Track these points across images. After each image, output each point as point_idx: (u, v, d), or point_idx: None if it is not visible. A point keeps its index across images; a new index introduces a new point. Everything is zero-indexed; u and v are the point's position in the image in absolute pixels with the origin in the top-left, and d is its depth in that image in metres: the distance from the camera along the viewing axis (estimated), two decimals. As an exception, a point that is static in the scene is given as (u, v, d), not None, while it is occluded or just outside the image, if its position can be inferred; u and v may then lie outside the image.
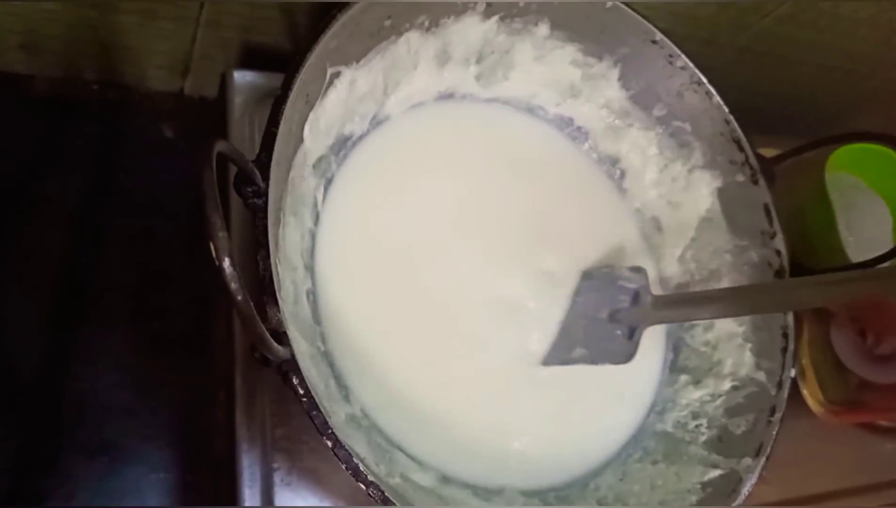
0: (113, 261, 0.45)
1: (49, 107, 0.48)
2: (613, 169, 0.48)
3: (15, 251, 0.44)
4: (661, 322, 0.42)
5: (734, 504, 0.36)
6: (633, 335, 0.40)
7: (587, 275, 0.42)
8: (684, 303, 0.41)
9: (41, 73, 0.47)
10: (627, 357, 0.40)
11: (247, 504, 0.35)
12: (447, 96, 0.44)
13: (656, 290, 0.43)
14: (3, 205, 0.44)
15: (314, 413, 0.27)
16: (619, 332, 0.40)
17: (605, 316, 0.40)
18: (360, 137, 0.41)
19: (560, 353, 0.40)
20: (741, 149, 0.42)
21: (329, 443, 0.28)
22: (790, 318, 0.40)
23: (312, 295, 0.36)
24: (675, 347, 0.45)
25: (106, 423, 0.42)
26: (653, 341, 0.44)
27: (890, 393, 0.54)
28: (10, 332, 0.42)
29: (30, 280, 0.43)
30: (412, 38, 0.39)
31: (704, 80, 0.42)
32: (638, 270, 0.40)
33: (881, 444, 0.55)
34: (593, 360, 0.40)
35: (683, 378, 0.44)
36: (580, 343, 0.40)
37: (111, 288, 0.45)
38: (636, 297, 0.40)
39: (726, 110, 0.42)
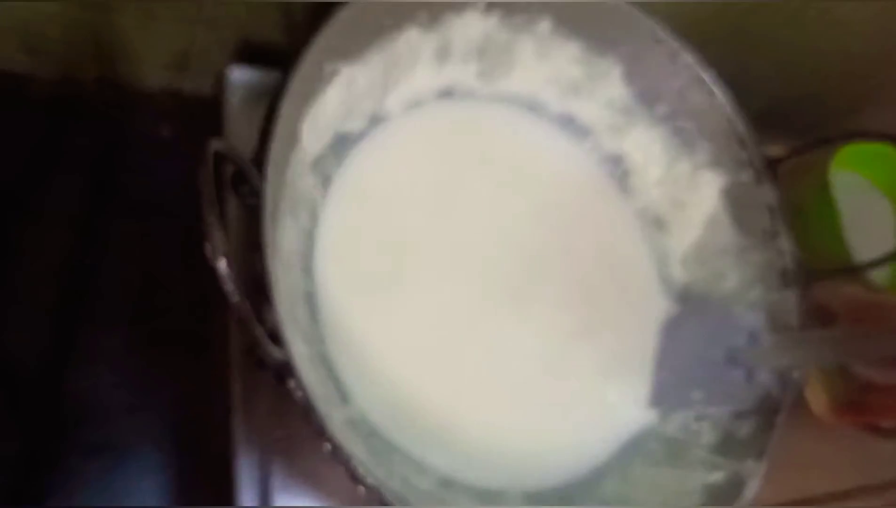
0: (112, 261, 0.45)
1: (48, 107, 0.48)
2: (616, 168, 0.48)
3: (14, 250, 0.44)
4: (787, 367, 0.38)
5: (736, 506, 0.36)
6: (751, 377, 0.37)
7: (693, 309, 0.41)
8: (804, 345, 0.38)
9: (41, 73, 0.47)
10: (749, 402, 0.38)
11: (245, 504, 0.35)
12: (447, 94, 0.44)
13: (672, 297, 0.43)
14: (3, 204, 0.44)
15: (312, 415, 0.27)
16: (737, 373, 0.38)
17: (719, 356, 0.38)
18: (359, 136, 0.40)
19: (675, 394, 0.39)
20: (745, 148, 0.42)
21: (327, 446, 0.27)
22: (794, 319, 0.40)
23: (310, 296, 0.36)
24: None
25: (105, 423, 0.42)
26: (651, 339, 0.44)
27: (893, 394, 0.53)
28: (10, 332, 0.42)
29: (29, 279, 0.43)
30: (412, 35, 0.38)
31: (707, 78, 0.42)
32: (752, 308, 0.39)
33: (883, 445, 0.54)
34: (712, 404, 0.39)
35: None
36: (697, 384, 0.38)
37: (111, 288, 0.45)
38: (753, 337, 0.38)
39: (730, 109, 0.42)
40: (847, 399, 0.52)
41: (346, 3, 0.33)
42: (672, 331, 0.40)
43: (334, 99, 0.36)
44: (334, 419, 0.31)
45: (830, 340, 0.38)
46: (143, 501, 0.42)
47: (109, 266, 0.45)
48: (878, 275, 0.53)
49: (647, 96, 0.44)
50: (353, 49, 0.36)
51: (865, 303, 0.55)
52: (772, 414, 0.38)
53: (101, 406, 0.42)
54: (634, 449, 0.41)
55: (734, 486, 0.37)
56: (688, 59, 0.42)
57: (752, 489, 0.37)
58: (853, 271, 0.46)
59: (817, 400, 0.51)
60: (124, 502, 0.41)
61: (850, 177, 0.56)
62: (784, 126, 0.59)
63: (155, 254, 0.46)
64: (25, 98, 0.47)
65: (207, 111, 0.50)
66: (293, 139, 0.33)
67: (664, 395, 0.39)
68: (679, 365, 0.39)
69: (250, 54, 0.46)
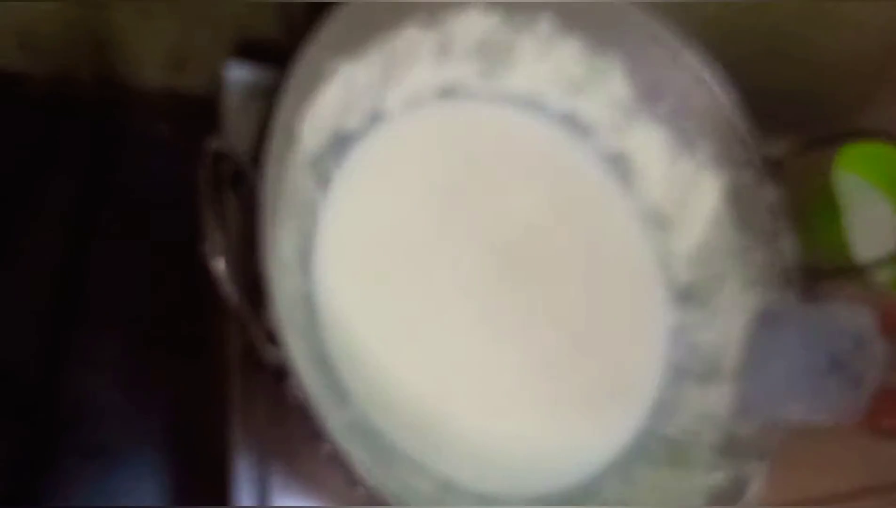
0: (110, 262, 0.45)
1: (46, 106, 0.48)
2: (617, 167, 0.47)
3: (11, 250, 0.44)
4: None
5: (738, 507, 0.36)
6: (858, 384, 0.34)
7: (796, 316, 0.37)
8: None
9: (38, 71, 0.47)
10: (856, 413, 0.34)
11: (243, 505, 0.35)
12: (447, 92, 0.43)
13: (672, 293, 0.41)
14: (1, 204, 0.44)
15: (311, 416, 0.27)
16: (841, 381, 0.35)
17: (823, 363, 0.35)
18: (359, 134, 0.40)
19: (768, 407, 0.36)
20: (747, 148, 0.42)
21: (326, 447, 0.27)
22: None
23: (309, 296, 0.36)
24: (679, 348, 0.45)
25: (103, 424, 0.42)
26: (653, 340, 0.44)
27: (893, 395, 0.53)
28: (7, 333, 0.42)
29: (24, 279, 0.43)
30: (411, 33, 0.38)
31: (709, 78, 0.42)
32: (858, 310, 0.35)
33: (884, 446, 0.54)
34: (814, 416, 0.35)
35: (688, 380, 0.43)
36: (798, 395, 0.35)
37: (107, 288, 0.45)
38: (860, 342, 0.35)
39: (731, 108, 0.42)
40: (848, 399, 0.52)
41: (344, 0, 0.33)
42: (765, 335, 0.37)
43: (333, 97, 0.35)
44: (333, 420, 0.30)
45: None
46: (139, 502, 0.42)
47: (106, 265, 0.45)
48: (880, 276, 0.53)
49: (648, 95, 0.44)
50: (352, 47, 0.36)
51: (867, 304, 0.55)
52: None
53: (97, 407, 0.42)
54: (636, 451, 0.41)
55: (736, 487, 0.37)
56: (689, 58, 0.42)
57: (754, 490, 0.36)
58: (855, 271, 0.46)
59: (819, 400, 0.51)
60: (122, 502, 0.41)
61: (852, 177, 0.56)
62: (786, 126, 0.59)
63: (152, 253, 0.46)
64: (22, 96, 0.47)
65: (205, 110, 0.50)
66: (292, 138, 0.33)
67: (755, 405, 0.36)
68: (775, 373, 0.36)
69: (248, 52, 0.46)
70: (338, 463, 0.27)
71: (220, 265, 0.23)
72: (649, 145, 0.46)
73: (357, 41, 0.36)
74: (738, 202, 0.43)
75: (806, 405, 0.35)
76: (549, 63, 0.44)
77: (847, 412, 0.35)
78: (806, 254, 0.46)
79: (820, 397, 0.35)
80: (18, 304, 0.42)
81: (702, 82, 0.42)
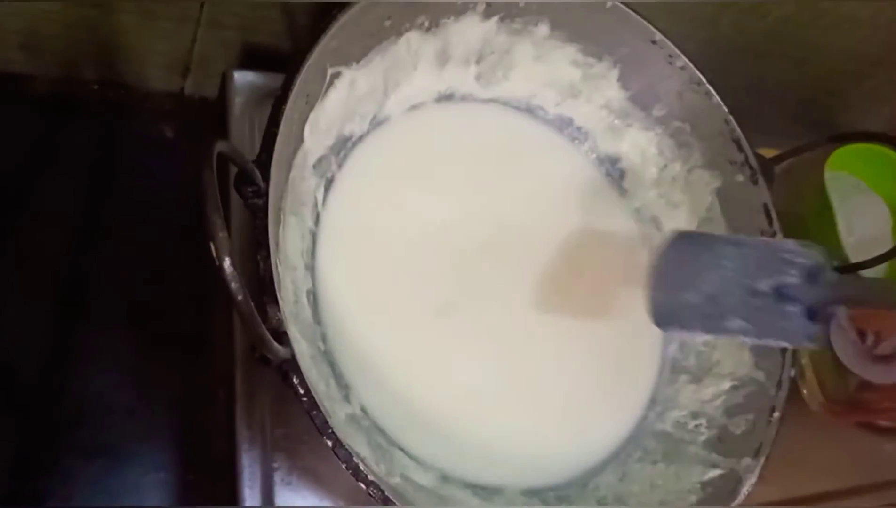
0: (112, 261, 0.45)
1: (49, 107, 0.47)
2: (613, 169, 0.48)
3: (14, 251, 0.44)
4: (851, 303, 0.34)
5: (734, 504, 0.36)
6: (813, 315, 0.33)
7: (730, 241, 0.36)
8: (871, 287, 0.35)
9: (41, 72, 0.47)
10: (811, 339, 0.34)
11: (247, 503, 0.35)
12: (447, 96, 0.44)
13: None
14: (3, 204, 0.44)
15: (314, 412, 0.27)
16: (792, 309, 0.33)
17: (766, 288, 0.34)
18: (361, 138, 0.41)
19: (700, 320, 0.34)
20: (741, 149, 0.42)
21: (329, 443, 0.28)
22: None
23: (312, 295, 0.36)
24: (673, 346, 0.45)
25: (106, 423, 0.42)
26: (650, 339, 0.44)
27: (889, 393, 0.54)
28: (9, 332, 0.42)
29: (29, 280, 0.43)
30: (412, 38, 0.39)
31: (704, 80, 0.42)
32: (808, 246, 0.34)
33: (881, 444, 0.55)
34: (759, 335, 0.34)
35: (683, 377, 0.44)
36: (735, 313, 0.34)
37: (111, 288, 0.45)
38: (811, 275, 0.33)
39: (725, 110, 0.42)
40: (844, 398, 0.52)
41: (347, 6, 0.34)
42: (719, 261, 0.35)
43: (336, 101, 0.36)
44: (336, 416, 0.31)
45: None
46: (143, 501, 0.42)
47: (109, 266, 0.45)
48: (874, 275, 0.53)
49: (644, 98, 0.45)
50: (354, 52, 0.36)
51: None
52: (768, 412, 0.38)
53: (100, 406, 0.42)
54: (632, 447, 0.42)
55: (731, 484, 0.37)
56: (684, 60, 0.42)
57: (748, 486, 0.37)
58: (849, 271, 0.47)
59: (814, 398, 0.52)
60: (124, 502, 0.41)
61: (845, 177, 0.57)
62: (780, 127, 0.60)
63: (155, 253, 0.46)
64: (25, 97, 0.47)
65: (208, 112, 0.50)
66: (296, 140, 0.34)
67: (689, 316, 0.35)
68: (717, 293, 0.34)
69: (252, 57, 0.47)
70: (340, 458, 0.28)
71: (227, 264, 0.23)
72: (644, 147, 0.46)
73: (359, 47, 0.36)
74: (731, 203, 0.44)
75: (751, 324, 0.34)
76: (546, 67, 0.44)
77: (800, 337, 0.34)
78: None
79: (766, 318, 0.34)
80: (21, 304, 0.42)
81: (697, 85, 0.43)
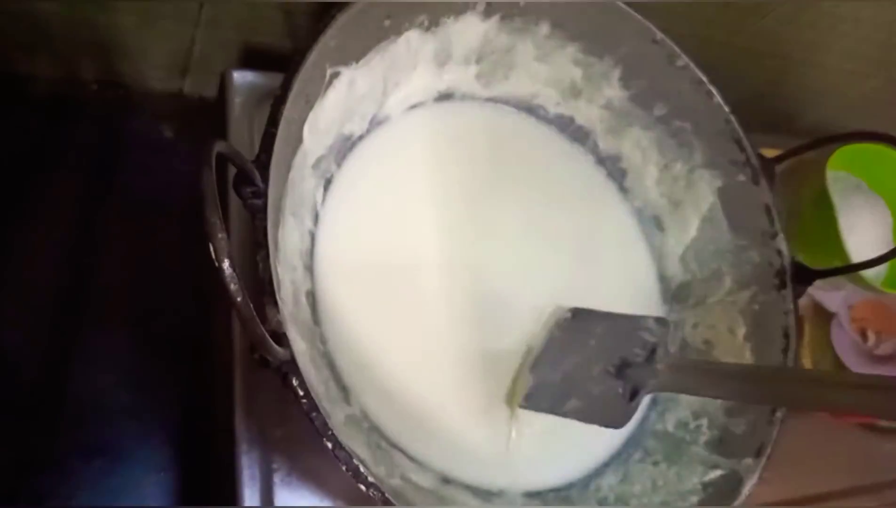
0: (113, 261, 0.45)
1: (49, 107, 0.48)
2: (614, 168, 0.48)
3: (14, 251, 0.44)
4: (670, 390, 0.36)
5: (735, 505, 0.36)
6: (634, 397, 0.34)
7: (605, 318, 0.37)
8: (701, 374, 0.35)
9: (41, 72, 0.47)
10: (622, 422, 0.35)
11: (247, 503, 0.35)
12: (447, 96, 0.44)
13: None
14: (3, 204, 0.44)
15: (314, 414, 0.27)
16: (620, 390, 0.34)
17: (612, 368, 0.35)
18: (360, 138, 0.40)
19: (549, 401, 0.36)
20: (742, 148, 0.42)
21: (329, 444, 0.27)
22: (791, 319, 0.40)
23: (312, 296, 0.36)
24: (675, 346, 0.45)
25: (106, 423, 0.42)
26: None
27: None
28: (10, 333, 0.42)
29: (29, 280, 0.43)
30: (412, 37, 0.38)
31: (705, 79, 0.42)
32: (662, 323, 0.36)
33: (881, 444, 0.55)
34: (585, 418, 0.35)
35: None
36: (577, 394, 0.35)
37: (111, 288, 0.45)
38: (652, 352, 0.35)
39: (727, 110, 0.42)
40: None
41: (347, 6, 0.33)
42: (584, 340, 0.37)
43: (335, 101, 0.36)
44: (336, 417, 0.31)
45: (726, 375, 0.34)
46: (143, 501, 0.42)
47: (109, 266, 0.45)
48: (875, 275, 0.53)
49: (645, 97, 0.45)
50: (353, 51, 0.36)
51: (863, 302, 0.55)
52: (769, 412, 0.38)
53: (101, 406, 0.42)
54: (633, 447, 0.42)
55: (732, 484, 0.37)
56: (685, 60, 0.42)
57: (749, 486, 0.37)
58: (850, 271, 0.47)
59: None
60: (124, 502, 0.41)
61: (847, 177, 0.57)
62: (781, 126, 0.60)
63: (155, 254, 0.46)
64: (25, 97, 0.47)
65: (207, 112, 0.50)
66: (295, 141, 0.34)
67: (537, 399, 0.36)
68: (572, 375, 0.36)
69: (252, 56, 0.47)
70: (339, 459, 0.28)
71: (226, 265, 0.23)
72: (645, 147, 0.46)
73: (359, 46, 0.36)
74: (733, 202, 0.44)
75: (585, 404, 0.35)
76: (547, 67, 0.44)
77: (612, 419, 0.34)
78: (801, 254, 0.46)
79: (598, 400, 0.35)
80: (21, 304, 0.42)
81: (698, 84, 0.43)
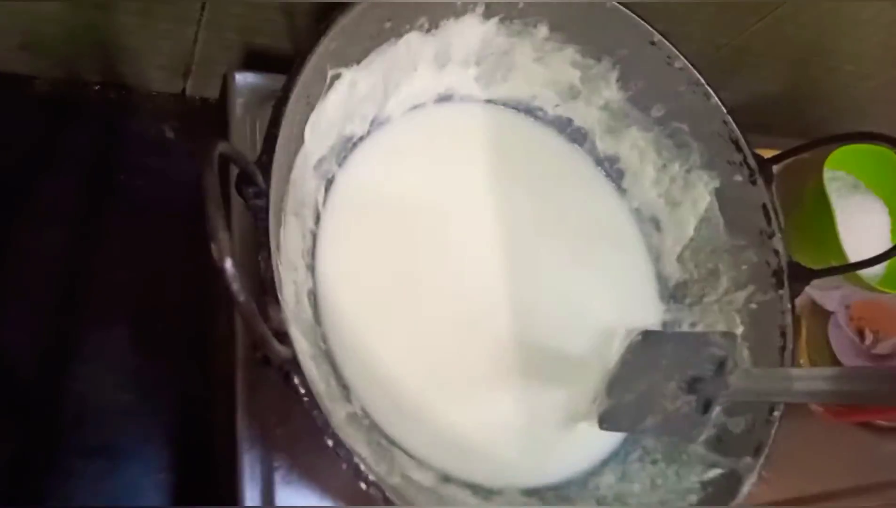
0: (113, 261, 0.45)
1: (50, 108, 0.48)
2: (612, 169, 0.48)
3: (15, 251, 0.44)
4: (741, 398, 0.37)
5: (734, 504, 0.36)
6: (706, 408, 0.35)
7: (674, 337, 0.39)
8: (770, 379, 0.36)
9: (42, 73, 0.47)
10: (698, 435, 0.36)
11: (247, 503, 0.35)
12: (447, 98, 0.44)
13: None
14: (4, 204, 0.44)
15: (315, 412, 0.27)
16: (694, 404, 0.35)
17: (684, 384, 0.36)
18: (361, 138, 0.41)
19: (627, 420, 0.37)
20: (739, 149, 0.43)
21: (330, 443, 0.28)
22: (788, 318, 0.40)
23: (313, 295, 0.36)
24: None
25: (106, 423, 0.42)
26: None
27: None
28: (9, 332, 0.42)
29: (29, 280, 0.43)
30: (412, 39, 0.39)
31: (703, 80, 0.42)
32: (730, 337, 0.37)
33: (880, 444, 0.55)
34: (663, 433, 0.37)
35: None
36: (653, 411, 0.37)
37: (111, 288, 0.45)
38: (721, 366, 0.35)
39: (724, 110, 0.42)
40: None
41: (348, 8, 0.34)
42: (641, 353, 0.38)
43: (336, 102, 0.36)
44: (337, 415, 0.31)
45: (798, 377, 0.35)
46: (143, 502, 0.42)
47: (109, 266, 0.45)
48: (872, 275, 0.53)
49: (643, 99, 0.45)
50: (354, 53, 0.36)
51: (860, 302, 0.55)
52: (768, 411, 0.38)
53: (101, 406, 0.42)
54: (632, 446, 0.42)
55: (731, 483, 0.37)
56: (683, 61, 0.42)
57: (748, 486, 0.37)
58: (848, 271, 0.47)
59: (813, 398, 0.52)
60: (124, 502, 0.41)
61: (845, 177, 0.57)
62: (780, 127, 0.60)
63: (155, 253, 0.46)
64: (26, 98, 0.47)
65: (209, 113, 0.50)
66: (296, 141, 0.34)
67: (618, 420, 0.38)
68: (649, 393, 0.37)
69: (253, 58, 0.47)
70: (341, 458, 0.28)
71: (228, 265, 0.23)
72: (643, 147, 0.46)
73: (360, 48, 0.36)
74: (730, 202, 0.44)
75: (658, 420, 0.36)
76: (546, 68, 0.44)
77: (688, 432, 0.36)
78: (799, 254, 0.46)
79: (672, 415, 0.36)
80: (21, 304, 0.42)
81: (696, 85, 0.43)
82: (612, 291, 0.45)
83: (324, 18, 0.33)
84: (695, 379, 0.36)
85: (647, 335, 0.40)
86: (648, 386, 0.37)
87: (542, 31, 0.42)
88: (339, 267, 0.37)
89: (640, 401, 0.37)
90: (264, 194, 0.29)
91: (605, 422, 0.38)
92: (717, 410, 0.36)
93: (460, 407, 0.38)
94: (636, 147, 0.47)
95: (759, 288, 0.42)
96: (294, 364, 0.27)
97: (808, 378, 0.35)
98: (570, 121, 0.47)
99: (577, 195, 0.47)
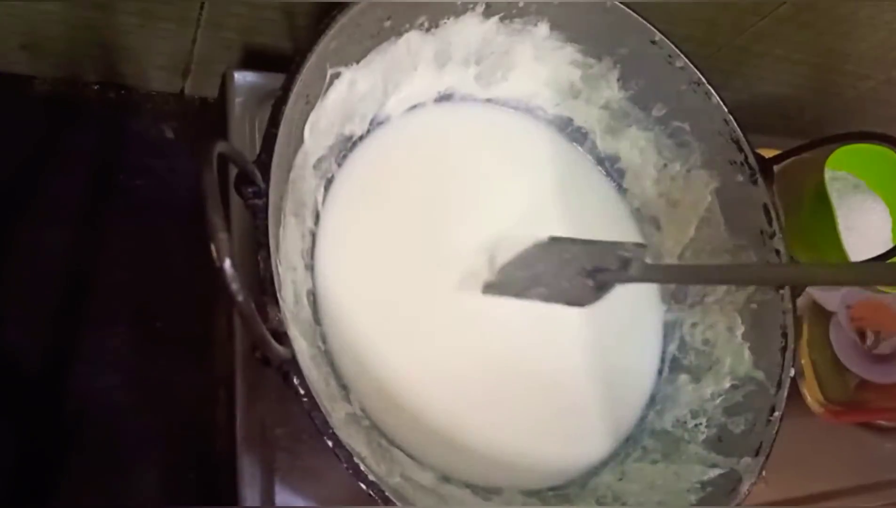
0: (113, 261, 0.45)
1: (50, 108, 0.48)
2: (613, 168, 0.48)
3: (15, 251, 0.44)
4: (638, 281, 0.40)
5: (734, 504, 0.36)
6: (602, 289, 0.38)
7: (584, 242, 0.41)
8: (668, 269, 0.40)
9: (42, 73, 0.47)
10: (586, 303, 0.39)
11: (247, 503, 0.35)
12: (447, 97, 0.44)
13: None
14: (4, 204, 0.44)
15: (315, 412, 0.27)
16: (590, 283, 0.38)
17: (585, 273, 0.39)
18: (361, 138, 0.41)
19: (515, 288, 0.39)
20: (740, 149, 0.43)
21: (330, 443, 0.28)
22: (789, 318, 0.40)
23: (313, 295, 0.36)
24: (673, 345, 0.45)
25: (106, 423, 0.42)
26: (648, 336, 0.45)
27: (889, 393, 0.54)
28: (10, 332, 0.42)
29: (30, 280, 0.43)
30: (412, 38, 0.39)
31: (703, 79, 0.42)
32: (641, 246, 0.40)
33: (880, 444, 0.55)
34: (548, 299, 0.39)
35: (682, 376, 0.44)
36: (543, 284, 0.39)
37: (111, 287, 0.45)
38: (625, 263, 0.38)
39: (725, 110, 0.42)
40: (844, 398, 0.53)
41: (347, 7, 0.34)
42: (561, 254, 0.40)
43: (336, 102, 0.36)
44: (336, 415, 0.31)
45: (695, 269, 0.40)
46: (143, 501, 0.42)
47: (110, 266, 0.45)
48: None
49: (643, 98, 0.45)
50: (354, 52, 0.36)
51: (861, 302, 0.55)
52: (768, 411, 0.38)
53: (102, 406, 0.42)
54: (631, 446, 0.42)
55: (731, 483, 0.37)
56: (684, 61, 0.42)
57: (748, 486, 0.37)
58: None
59: (814, 398, 0.52)
60: (125, 503, 0.41)
61: (845, 177, 0.57)
62: (780, 126, 0.60)
63: (155, 254, 0.46)
64: (26, 98, 0.47)
65: (208, 113, 0.50)
66: (296, 141, 0.34)
67: (503, 286, 0.39)
68: (542, 271, 0.39)
69: (253, 57, 0.47)
70: (340, 458, 0.28)
71: (227, 265, 0.23)
72: (643, 147, 0.46)
73: (359, 47, 0.36)
74: (731, 202, 0.44)
75: (548, 289, 0.39)
76: (546, 68, 0.44)
77: (579, 300, 0.39)
78: (800, 254, 0.46)
79: (562, 286, 0.39)
80: (22, 304, 0.42)
81: (697, 85, 0.43)
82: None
83: (323, 17, 0.33)
84: (597, 269, 0.38)
85: (554, 239, 0.41)
86: (545, 268, 0.39)
87: (543, 29, 0.42)
88: (338, 267, 0.37)
89: (533, 277, 0.39)
90: (263, 194, 0.29)
91: (489, 288, 0.40)
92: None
93: (460, 406, 0.38)
94: (637, 146, 0.47)
95: (760, 288, 0.42)
96: (293, 364, 0.27)
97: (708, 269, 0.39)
98: (570, 120, 0.47)
99: (578, 195, 0.47)
